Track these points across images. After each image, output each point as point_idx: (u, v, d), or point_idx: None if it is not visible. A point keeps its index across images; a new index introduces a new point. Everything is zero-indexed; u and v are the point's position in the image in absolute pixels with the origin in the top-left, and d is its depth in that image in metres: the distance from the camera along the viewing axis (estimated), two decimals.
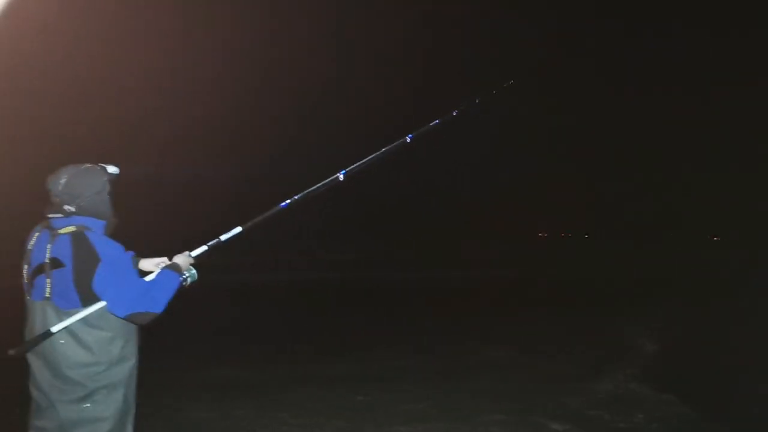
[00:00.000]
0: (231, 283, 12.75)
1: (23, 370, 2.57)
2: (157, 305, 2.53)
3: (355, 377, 6.25)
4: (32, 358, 2.53)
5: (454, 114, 4.11)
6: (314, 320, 9.78)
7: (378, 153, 3.56)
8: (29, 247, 2.57)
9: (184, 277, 2.71)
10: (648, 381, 6.28)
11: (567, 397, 5.65)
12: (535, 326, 9.20)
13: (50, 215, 2.57)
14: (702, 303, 11.65)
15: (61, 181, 2.55)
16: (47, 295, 2.47)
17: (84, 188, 2.57)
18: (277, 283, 14.61)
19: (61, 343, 2.47)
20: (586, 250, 27.46)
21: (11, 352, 2.44)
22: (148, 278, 2.62)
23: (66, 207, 2.54)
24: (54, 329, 2.43)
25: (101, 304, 2.47)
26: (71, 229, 2.51)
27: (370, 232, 25.85)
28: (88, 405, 2.51)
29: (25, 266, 2.56)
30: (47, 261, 2.47)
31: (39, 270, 2.50)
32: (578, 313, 10.67)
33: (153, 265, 2.84)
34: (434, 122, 3.97)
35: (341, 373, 6.41)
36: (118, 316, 2.51)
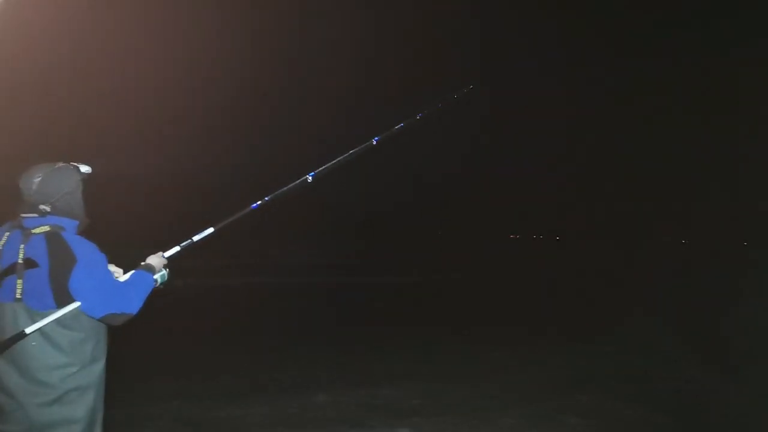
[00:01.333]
0: (208, 286, 12.67)
1: None
2: (132, 306, 2.53)
3: (358, 378, 6.27)
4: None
5: (418, 117, 4.24)
6: (305, 323, 9.69)
7: (345, 155, 3.66)
8: None
9: (155, 278, 2.71)
10: (656, 376, 6.54)
11: (579, 394, 5.77)
12: (530, 328, 9.33)
13: (24, 215, 2.52)
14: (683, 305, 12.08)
15: (34, 180, 2.52)
16: (18, 296, 2.43)
17: (58, 188, 2.54)
18: (260, 287, 14.41)
19: (33, 345, 2.42)
20: (560, 252, 27.89)
21: None
22: (121, 278, 2.62)
23: (41, 207, 2.50)
24: (28, 330, 2.38)
25: (76, 304, 2.44)
26: (45, 228, 2.47)
27: (344, 236, 25.86)
28: (60, 407, 2.48)
29: None
30: (21, 261, 2.43)
31: (9, 270, 2.45)
32: (567, 313, 10.92)
33: None
34: (399, 125, 4.10)
35: (344, 373, 6.43)
36: (93, 317, 2.49)
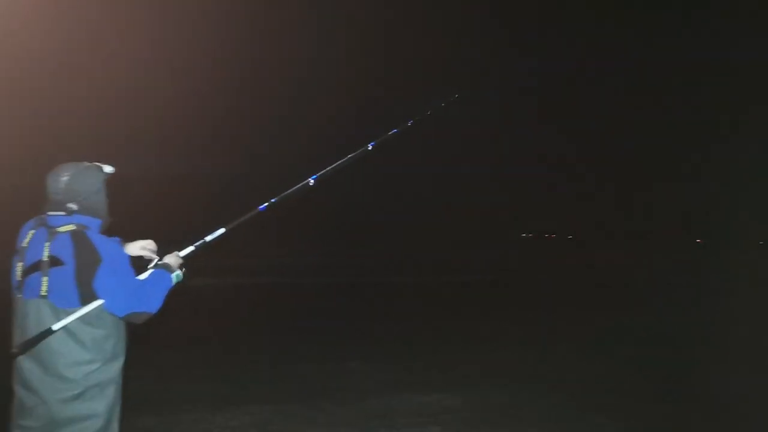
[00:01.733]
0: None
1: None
2: (153, 305, 2.61)
3: (371, 380, 6.19)
4: (22, 357, 2.51)
5: (409, 124, 4.42)
6: (315, 324, 9.56)
7: (343, 160, 3.79)
8: (23, 244, 2.54)
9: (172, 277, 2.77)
10: (676, 375, 6.66)
11: (599, 394, 5.82)
12: (543, 327, 9.39)
13: (51, 213, 2.56)
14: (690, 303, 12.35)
15: (62, 178, 2.56)
16: (43, 293, 2.46)
17: (85, 187, 2.59)
18: (268, 287, 14.14)
19: (58, 341, 2.47)
20: (573, 251, 27.73)
21: (14, 351, 2.43)
22: (141, 277, 2.67)
23: (69, 205, 2.55)
24: (55, 327, 2.43)
25: (99, 302, 2.49)
26: (71, 227, 2.51)
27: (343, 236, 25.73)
28: (82, 403, 2.53)
29: (19, 264, 2.54)
30: (45, 259, 2.46)
31: (34, 268, 2.49)
32: (582, 312, 10.99)
33: (138, 248, 2.84)
34: (393, 131, 4.27)
35: (357, 376, 6.34)
36: (116, 315, 2.55)
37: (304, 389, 5.88)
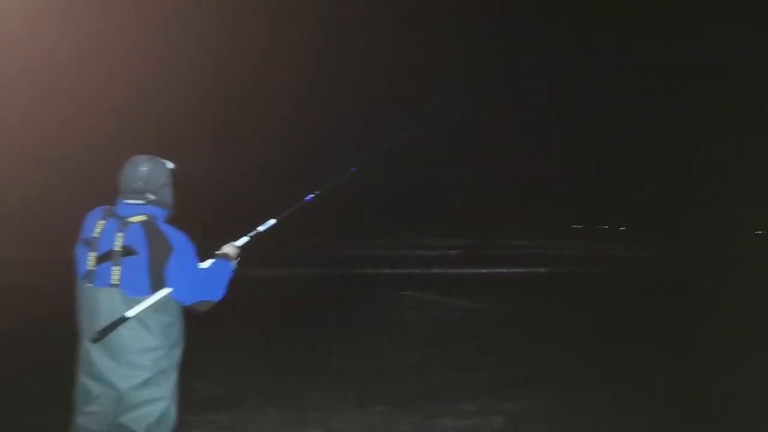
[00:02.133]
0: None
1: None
2: (218, 293, 2.70)
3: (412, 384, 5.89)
4: (89, 346, 2.58)
5: (434, 117, 4.55)
6: (353, 317, 9.33)
7: (379, 151, 3.90)
8: (94, 235, 2.60)
9: None
10: (712, 371, 6.53)
11: (631, 391, 5.76)
12: (591, 322, 9.25)
13: (128, 201, 2.65)
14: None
15: (142, 168, 2.66)
16: (114, 282, 2.53)
17: (160, 178, 2.71)
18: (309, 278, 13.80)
19: (128, 329, 2.54)
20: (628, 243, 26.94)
21: (94, 338, 2.50)
22: (203, 266, 2.75)
23: (147, 195, 2.65)
24: (129, 314, 2.50)
25: (167, 290, 2.57)
26: (142, 218, 2.59)
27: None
28: (148, 388, 2.61)
29: (91, 254, 2.58)
30: (119, 249, 2.53)
31: (105, 257, 2.55)
32: (619, 310, 10.58)
33: None
34: (421, 124, 4.38)
35: (398, 380, 5.98)
36: (183, 304, 2.64)
37: (352, 386, 5.70)
